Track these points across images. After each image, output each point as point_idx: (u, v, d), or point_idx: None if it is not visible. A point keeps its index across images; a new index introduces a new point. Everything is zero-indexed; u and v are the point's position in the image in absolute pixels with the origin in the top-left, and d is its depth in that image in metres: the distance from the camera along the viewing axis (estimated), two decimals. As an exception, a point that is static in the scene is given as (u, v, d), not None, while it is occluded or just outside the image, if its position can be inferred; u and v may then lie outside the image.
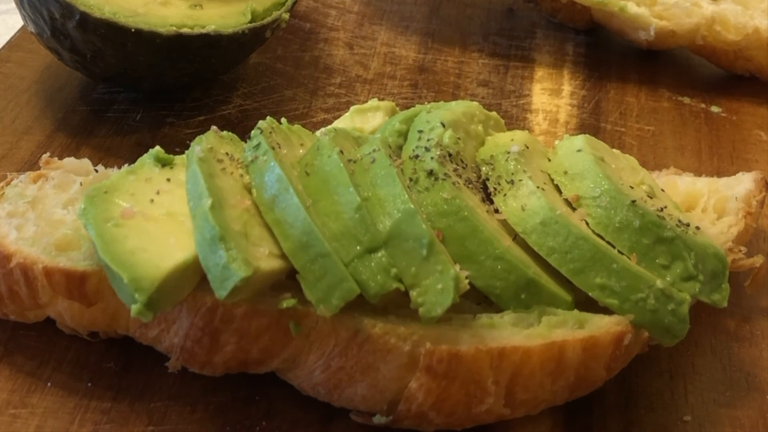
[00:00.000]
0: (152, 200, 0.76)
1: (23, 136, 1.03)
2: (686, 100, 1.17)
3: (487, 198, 0.82)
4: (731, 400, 0.80)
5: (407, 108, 0.90)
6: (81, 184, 0.84)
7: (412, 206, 0.73)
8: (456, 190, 0.77)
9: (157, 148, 0.82)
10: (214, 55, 1.01)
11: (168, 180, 0.79)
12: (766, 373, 0.82)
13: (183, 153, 0.81)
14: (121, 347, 0.80)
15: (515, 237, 0.78)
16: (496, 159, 0.84)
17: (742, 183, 0.91)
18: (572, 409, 0.77)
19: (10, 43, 1.17)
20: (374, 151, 0.79)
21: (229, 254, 0.69)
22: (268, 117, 0.82)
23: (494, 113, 0.91)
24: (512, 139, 0.87)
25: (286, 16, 1.07)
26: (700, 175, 0.95)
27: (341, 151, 0.78)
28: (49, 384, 0.77)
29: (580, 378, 0.74)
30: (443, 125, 0.84)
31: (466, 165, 0.83)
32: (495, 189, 0.82)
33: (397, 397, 0.72)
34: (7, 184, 0.85)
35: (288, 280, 0.74)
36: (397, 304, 0.74)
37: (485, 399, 0.71)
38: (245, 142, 0.81)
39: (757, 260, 0.85)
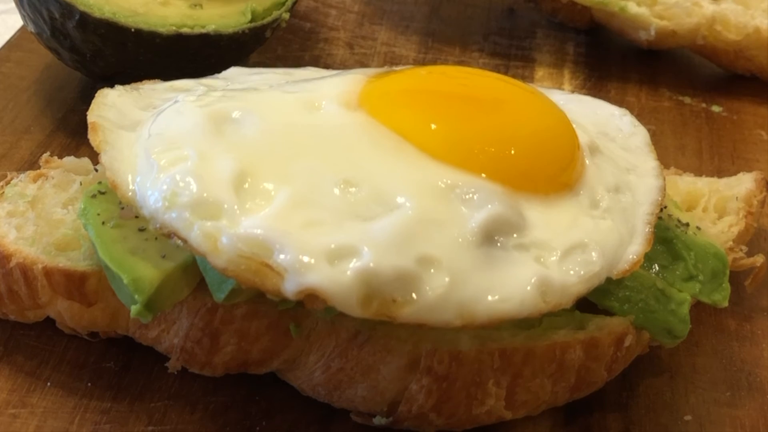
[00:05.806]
0: (152, 200, 0.76)
1: (23, 135, 1.02)
2: (687, 99, 1.17)
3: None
4: (732, 400, 0.80)
5: (407, 108, 0.90)
6: (81, 183, 0.84)
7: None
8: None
9: (157, 148, 0.82)
10: (214, 55, 1.01)
11: (168, 180, 0.79)
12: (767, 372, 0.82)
13: (183, 153, 0.81)
14: (121, 347, 0.80)
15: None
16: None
17: (743, 183, 0.91)
18: (572, 409, 0.77)
19: (10, 43, 1.16)
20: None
21: (227, 256, 0.69)
22: None
23: (494, 113, 0.91)
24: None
25: (286, 15, 1.06)
26: (700, 175, 0.95)
27: None
28: (48, 384, 0.77)
29: (581, 379, 0.74)
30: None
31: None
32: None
33: (398, 398, 0.72)
34: (7, 183, 0.84)
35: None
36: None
37: (486, 400, 0.71)
38: None
39: (758, 259, 0.85)
